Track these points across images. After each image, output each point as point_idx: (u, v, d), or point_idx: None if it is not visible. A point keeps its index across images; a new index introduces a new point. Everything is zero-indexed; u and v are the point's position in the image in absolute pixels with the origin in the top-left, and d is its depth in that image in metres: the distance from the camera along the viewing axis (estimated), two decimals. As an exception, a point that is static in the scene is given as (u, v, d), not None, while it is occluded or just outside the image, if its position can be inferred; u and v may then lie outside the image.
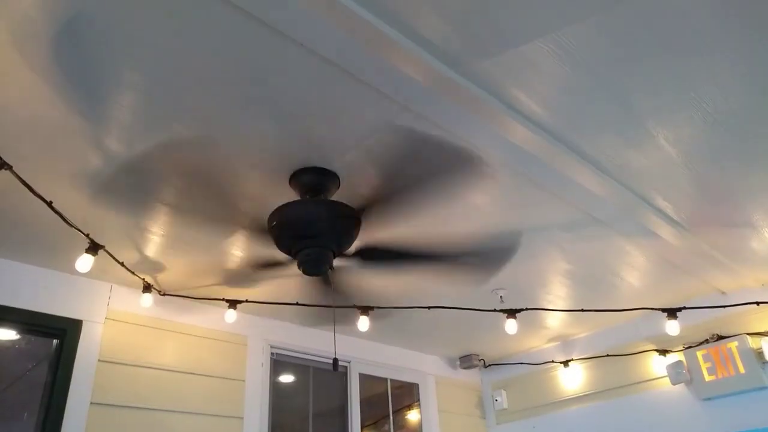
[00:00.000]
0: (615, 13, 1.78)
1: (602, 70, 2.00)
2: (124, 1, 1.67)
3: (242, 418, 3.64)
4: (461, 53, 1.91)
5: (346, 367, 4.46)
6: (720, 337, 3.98)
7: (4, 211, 2.61)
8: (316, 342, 4.19)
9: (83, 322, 3.22)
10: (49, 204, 2.32)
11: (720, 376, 3.92)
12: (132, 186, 2.50)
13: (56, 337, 3.17)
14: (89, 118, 2.09)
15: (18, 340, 3.16)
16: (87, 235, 2.62)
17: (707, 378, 3.98)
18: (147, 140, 2.21)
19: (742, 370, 3.82)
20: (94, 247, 2.67)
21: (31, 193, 2.23)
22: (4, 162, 1.97)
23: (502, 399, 5.14)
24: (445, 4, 1.73)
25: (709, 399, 3.98)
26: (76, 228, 2.52)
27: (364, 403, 4.45)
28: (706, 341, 4.04)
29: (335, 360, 2.54)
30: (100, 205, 2.60)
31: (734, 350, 3.88)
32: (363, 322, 3.49)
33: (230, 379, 3.71)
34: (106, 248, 2.75)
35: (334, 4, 1.67)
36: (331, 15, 1.71)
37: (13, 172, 2.04)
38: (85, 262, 2.68)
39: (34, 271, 3.15)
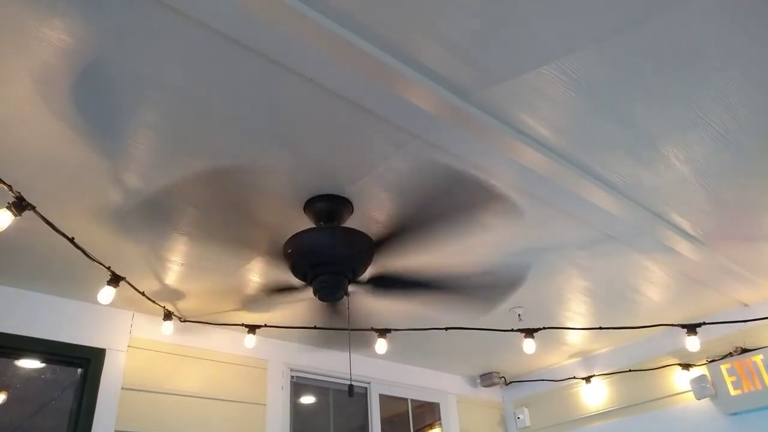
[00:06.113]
0: (616, 41, 1.79)
1: (608, 93, 2.01)
2: (138, 47, 1.73)
3: (264, 442, 3.67)
4: (467, 82, 1.94)
5: (365, 388, 4.46)
6: (744, 350, 3.90)
7: (29, 246, 2.69)
8: (336, 364, 4.20)
9: (106, 350, 3.28)
10: (71, 240, 2.38)
11: (746, 390, 3.84)
12: (150, 218, 2.56)
13: (81, 365, 3.24)
14: (109, 157, 2.16)
15: (44, 369, 3.23)
16: (108, 268, 2.69)
17: (732, 392, 3.90)
18: (164, 175, 2.28)
19: (769, 384, 3.75)
20: (115, 279, 2.73)
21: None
22: (28, 203, 2.04)
23: (525, 417, 5.08)
24: (448, 36, 1.76)
25: (735, 414, 3.90)
26: (97, 261, 2.58)
27: (385, 423, 4.44)
28: (730, 354, 3.97)
29: (350, 386, 2.56)
30: (120, 237, 2.68)
31: (759, 363, 3.81)
32: (381, 345, 3.50)
33: (251, 403, 3.74)
34: (126, 279, 2.82)
35: (341, 42, 1.72)
36: (339, 51, 1.76)
37: (37, 212, 2.11)
38: (107, 294, 2.74)
39: (59, 302, 3.23)
